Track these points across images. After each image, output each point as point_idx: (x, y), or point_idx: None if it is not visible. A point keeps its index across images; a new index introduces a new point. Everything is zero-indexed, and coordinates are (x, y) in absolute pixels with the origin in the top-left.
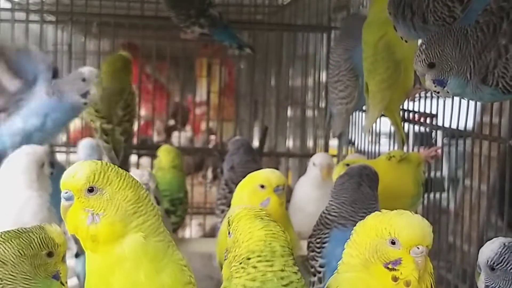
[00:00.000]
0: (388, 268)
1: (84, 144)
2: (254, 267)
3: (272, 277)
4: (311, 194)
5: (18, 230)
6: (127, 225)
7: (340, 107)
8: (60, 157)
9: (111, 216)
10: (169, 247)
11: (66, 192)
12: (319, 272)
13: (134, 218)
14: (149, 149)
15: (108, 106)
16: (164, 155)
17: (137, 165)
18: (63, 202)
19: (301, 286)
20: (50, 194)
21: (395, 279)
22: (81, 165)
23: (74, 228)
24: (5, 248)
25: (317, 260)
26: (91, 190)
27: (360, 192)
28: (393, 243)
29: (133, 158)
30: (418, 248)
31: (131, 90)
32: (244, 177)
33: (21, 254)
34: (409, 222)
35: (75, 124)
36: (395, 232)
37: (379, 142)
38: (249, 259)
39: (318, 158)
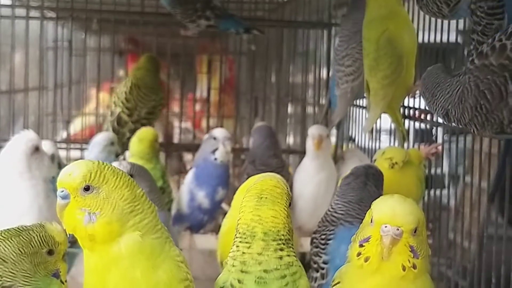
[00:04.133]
0: (360, 245)
1: (96, 140)
2: (237, 246)
3: (248, 259)
4: (307, 168)
5: (18, 228)
6: (124, 224)
7: (345, 86)
8: (61, 152)
9: (108, 215)
10: (166, 244)
11: (62, 191)
12: (322, 268)
13: (131, 217)
14: None
15: (138, 100)
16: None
17: None
18: (59, 201)
19: (290, 274)
20: (51, 178)
21: (358, 254)
22: (78, 164)
23: (72, 228)
24: (5, 246)
25: (320, 256)
26: (87, 189)
27: (367, 191)
28: (371, 221)
29: None
30: (386, 226)
31: (162, 100)
32: (259, 170)
33: (21, 252)
34: (384, 201)
35: (75, 126)
36: (373, 211)
37: (379, 139)
38: (236, 237)
39: (311, 129)
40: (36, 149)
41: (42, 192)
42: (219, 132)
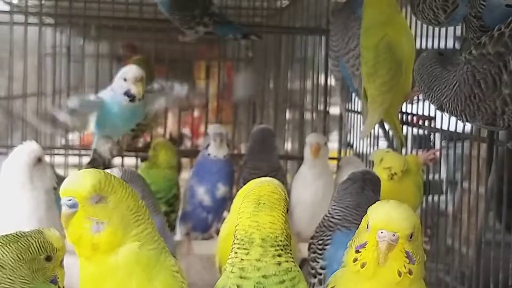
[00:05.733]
0: (356, 251)
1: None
2: (235, 252)
3: (247, 265)
4: (305, 175)
5: (16, 234)
6: (128, 234)
7: (359, 71)
8: (59, 159)
9: (115, 225)
10: (161, 254)
11: (70, 200)
12: (320, 274)
13: (134, 227)
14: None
15: None
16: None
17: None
18: (66, 210)
19: (289, 279)
20: (53, 189)
21: (355, 260)
22: (86, 173)
23: (78, 237)
24: (4, 252)
25: (318, 262)
26: (96, 198)
27: (364, 196)
28: (367, 227)
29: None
30: (382, 232)
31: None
32: (252, 174)
33: (20, 258)
34: (380, 207)
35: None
36: (369, 217)
37: (377, 145)
38: (234, 243)
39: (309, 137)
40: (39, 160)
41: (43, 204)
42: (210, 128)
